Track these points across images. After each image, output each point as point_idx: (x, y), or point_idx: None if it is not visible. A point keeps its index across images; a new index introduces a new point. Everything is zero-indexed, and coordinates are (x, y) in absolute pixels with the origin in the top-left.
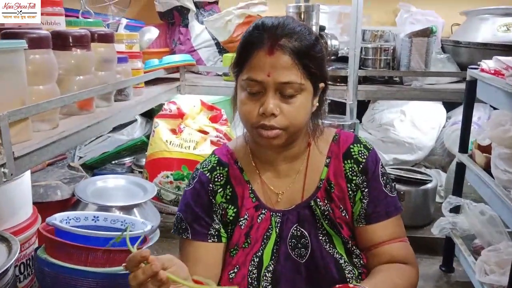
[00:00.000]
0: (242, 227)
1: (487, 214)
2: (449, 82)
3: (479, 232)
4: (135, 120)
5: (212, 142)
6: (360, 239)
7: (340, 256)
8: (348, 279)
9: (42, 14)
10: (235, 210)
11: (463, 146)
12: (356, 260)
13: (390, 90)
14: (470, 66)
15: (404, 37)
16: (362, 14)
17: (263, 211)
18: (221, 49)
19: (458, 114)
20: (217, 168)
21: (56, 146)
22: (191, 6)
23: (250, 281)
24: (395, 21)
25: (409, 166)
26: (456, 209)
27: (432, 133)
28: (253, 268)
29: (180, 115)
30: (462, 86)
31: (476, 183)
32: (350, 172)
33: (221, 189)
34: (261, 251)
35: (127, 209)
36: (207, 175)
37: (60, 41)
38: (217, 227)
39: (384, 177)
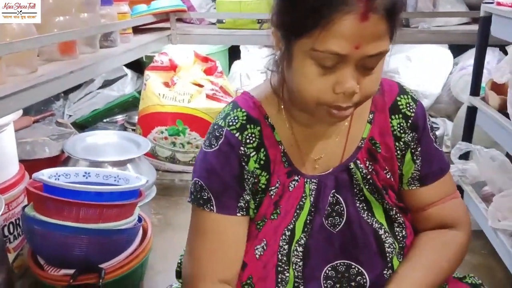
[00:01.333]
0: (272, 196)
1: (499, 160)
2: (459, 24)
3: (490, 178)
4: (125, 75)
5: (207, 96)
6: (410, 202)
7: (380, 225)
8: (387, 254)
9: None
10: (267, 177)
11: (475, 89)
12: (398, 229)
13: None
14: (484, 1)
15: None
16: None
17: (296, 178)
18: None
19: (466, 59)
20: (248, 126)
21: (35, 92)
22: None
23: (280, 257)
24: None
25: None
26: (465, 156)
27: (439, 80)
28: (284, 243)
29: (173, 67)
30: (473, 27)
31: (489, 126)
32: (399, 129)
33: (254, 152)
34: (293, 224)
35: (120, 164)
36: (237, 135)
37: None
38: (247, 198)
39: (433, 131)
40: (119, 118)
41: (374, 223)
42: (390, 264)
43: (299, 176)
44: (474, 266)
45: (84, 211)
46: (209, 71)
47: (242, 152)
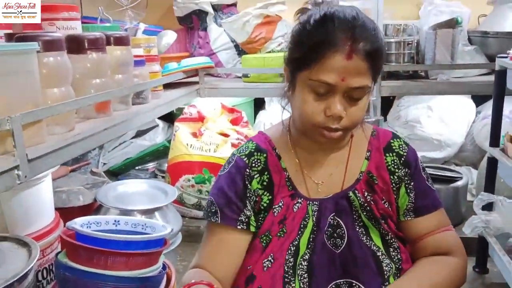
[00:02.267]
0: (276, 214)
1: None
2: (478, 75)
3: None
4: (157, 125)
5: (233, 145)
6: (408, 232)
7: (377, 248)
8: (385, 273)
9: (58, 19)
10: (270, 197)
11: (495, 140)
12: (393, 253)
13: (415, 85)
14: (499, 55)
15: (428, 29)
16: (383, 9)
17: (299, 200)
18: (240, 51)
19: (488, 108)
20: (255, 153)
21: (72, 149)
22: (210, 9)
23: (286, 269)
24: (419, 14)
25: (438, 164)
26: (488, 207)
27: (462, 129)
28: (290, 257)
29: (201, 118)
30: (492, 78)
31: (509, 177)
32: (392, 165)
33: (258, 175)
34: (298, 240)
35: (148, 212)
36: (245, 159)
37: (75, 44)
38: (248, 214)
39: (425, 171)
40: (150, 166)
41: (372, 245)
42: (387, 283)
43: (302, 199)
44: None
45: (113, 259)
46: (235, 121)
47: (247, 173)
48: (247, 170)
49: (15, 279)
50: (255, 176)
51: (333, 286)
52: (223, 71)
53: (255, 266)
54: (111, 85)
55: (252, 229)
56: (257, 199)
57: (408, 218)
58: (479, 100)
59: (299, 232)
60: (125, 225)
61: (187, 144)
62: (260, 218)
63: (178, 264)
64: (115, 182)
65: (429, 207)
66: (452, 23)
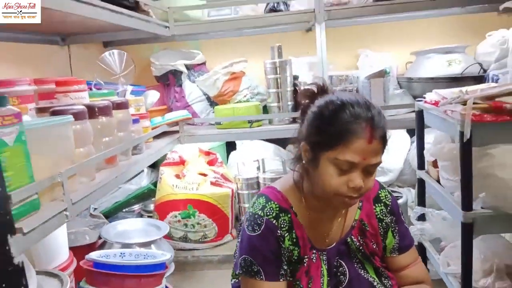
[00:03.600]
0: (305, 265)
1: (449, 219)
2: (407, 112)
3: (443, 235)
4: (142, 171)
5: (211, 183)
6: (392, 265)
7: (373, 279)
8: None
9: (71, 91)
10: (298, 251)
11: (421, 164)
12: (385, 281)
13: None
14: (417, 99)
15: (363, 79)
16: (327, 63)
17: (314, 252)
18: (212, 102)
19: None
20: (280, 215)
21: (97, 194)
22: (183, 69)
23: None
24: (357, 65)
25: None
26: (422, 218)
27: (400, 156)
28: None
29: (182, 162)
30: None
31: (433, 193)
32: (381, 214)
33: (287, 233)
34: (322, 286)
35: (145, 245)
36: (274, 222)
37: (90, 112)
38: (285, 267)
39: (402, 214)
40: (136, 207)
41: (368, 277)
42: None
43: (315, 250)
44: None
45: (127, 281)
46: (211, 162)
47: (279, 234)
48: (278, 231)
49: None
50: (286, 235)
51: None
52: (199, 121)
53: None
54: (116, 141)
55: (289, 278)
56: (290, 254)
57: (393, 255)
58: (412, 132)
59: (321, 280)
60: (130, 256)
61: (173, 184)
62: (291, 268)
63: None
64: (114, 222)
65: (408, 246)
66: (382, 73)
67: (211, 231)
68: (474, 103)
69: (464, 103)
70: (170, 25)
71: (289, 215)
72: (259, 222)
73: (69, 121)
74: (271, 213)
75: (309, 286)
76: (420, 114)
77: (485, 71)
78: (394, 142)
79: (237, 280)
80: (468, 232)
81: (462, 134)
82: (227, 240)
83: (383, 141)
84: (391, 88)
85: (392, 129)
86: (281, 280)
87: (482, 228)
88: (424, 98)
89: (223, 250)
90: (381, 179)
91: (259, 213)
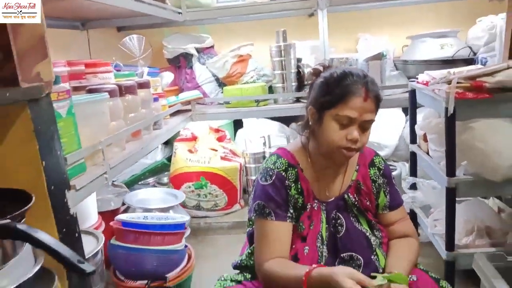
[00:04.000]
0: (307, 211)
1: (438, 188)
2: (402, 92)
3: (432, 202)
4: (157, 147)
5: (221, 157)
6: (384, 220)
7: (366, 230)
8: (373, 246)
9: (99, 72)
10: (302, 199)
11: (413, 139)
12: (377, 233)
13: None
14: (410, 80)
15: (362, 61)
16: (328, 46)
17: (316, 202)
18: (220, 83)
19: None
20: (289, 169)
21: (128, 161)
22: (194, 52)
23: (319, 253)
24: (356, 48)
25: None
26: (414, 187)
27: (395, 133)
28: (320, 244)
29: (194, 138)
30: None
31: (423, 164)
32: (375, 176)
33: (293, 184)
34: (321, 232)
35: (164, 210)
36: (283, 174)
37: (119, 90)
38: (291, 211)
39: (394, 178)
40: (151, 180)
41: (362, 229)
42: (374, 252)
43: (317, 201)
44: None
45: (153, 238)
46: (220, 139)
47: (287, 184)
48: (286, 181)
49: (90, 254)
50: (292, 186)
51: (339, 259)
52: (210, 101)
53: (298, 250)
54: (140, 117)
55: (294, 222)
56: (295, 201)
57: (385, 212)
58: (407, 111)
59: (321, 226)
60: (152, 218)
61: (186, 158)
62: (296, 213)
63: None
64: (136, 191)
65: (397, 205)
66: (379, 56)
67: (221, 200)
68: (458, 83)
69: (449, 82)
70: (183, 11)
71: (296, 170)
72: (271, 173)
73: (105, 98)
74: (281, 167)
75: (311, 227)
76: (412, 93)
77: (475, 54)
78: (390, 119)
79: (251, 228)
80: (451, 196)
81: (446, 109)
82: (236, 209)
83: (377, 101)
84: (388, 70)
85: (388, 107)
86: (288, 220)
87: (464, 192)
88: (417, 78)
89: (233, 218)
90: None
91: (271, 167)
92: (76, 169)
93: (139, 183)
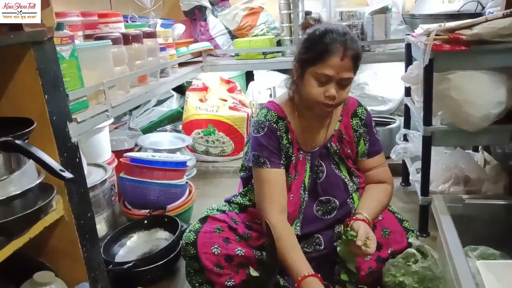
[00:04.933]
0: (293, 162)
1: None
2: None
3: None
4: (172, 96)
5: (230, 107)
6: (362, 166)
7: (344, 176)
8: (350, 191)
9: (110, 22)
10: (291, 149)
11: (407, 92)
12: (355, 179)
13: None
14: (407, 33)
15: (368, 15)
16: (334, 0)
17: (301, 152)
18: (232, 35)
19: None
20: (279, 121)
21: (131, 102)
22: (208, 5)
23: (301, 199)
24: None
25: (385, 115)
26: (406, 138)
27: (400, 88)
28: (302, 191)
29: (205, 88)
30: None
31: (412, 115)
32: (356, 126)
33: (284, 135)
34: (304, 179)
35: (172, 152)
36: (274, 125)
37: (125, 39)
38: (283, 159)
39: (375, 127)
40: (168, 127)
41: (341, 175)
42: (351, 196)
43: (302, 151)
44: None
45: (155, 173)
46: (231, 90)
47: (278, 134)
48: (278, 132)
49: (98, 182)
50: (283, 136)
51: (318, 201)
52: (221, 52)
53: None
54: (147, 64)
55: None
56: (286, 150)
57: (363, 159)
58: None
59: (304, 174)
60: (159, 157)
61: (196, 107)
62: (286, 163)
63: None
64: (148, 134)
65: (376, 152)
66: (384, 10)
67: (228, 147)
68: (437, 35)
69: (429, 34)
70: None
71: (284, 122)
72: (263, 126)
73: (108, 44)
74: (272, 119)
75: (296, 177)
76: (408, 47)
77: (483, 8)
78: (394, 74)
79: (244, 173)
80: (427, 144)
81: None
82: (242, 156)
83: (354, 60)
84: (395, 24)
85: (392, 61)
86: (281, 168)
87: (439, 141)
88: (414, 33)
89: (238, 163)
90: (382, 107)
91: (262, 119)
92: (79, 105)
93: (157, 129)
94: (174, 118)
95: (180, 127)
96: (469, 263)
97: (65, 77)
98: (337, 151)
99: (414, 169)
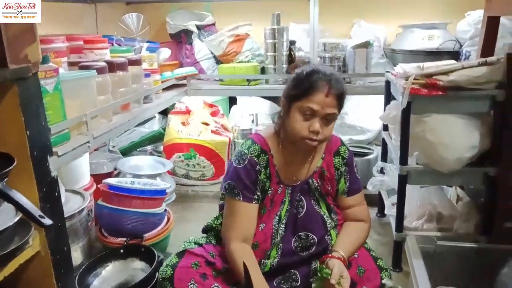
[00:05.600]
0: (269, 195)
1: None
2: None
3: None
4: (154, 117)
5: (212, 131)
6: (341, 204)
7: (324, 213)
8: (328, 227)
9: (95, 49)
10: (268, 184)
11: (385, 126)
12: (333, 216)
13: None
14: (386, 71)
15: (350, 48)
16: (319, 31)
17: (281, 186)
18: (217, 60)
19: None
20: (261, 154)
21: (114, 132)
22: (194, 29)
23: (273, 231)
24: (350, 34)
25: (361, 144)
26: (382, 171)
27: (378, 119)
28: (275, 223)
29: (188, 111)
30: None
31: (390, 151)
32: (338, 164)
33: (263, 169)
34: (280, 212)
35: (152, 177)
36: (255, 159)
37: (110, 67)
38: (258, 193)
39: (356, 166)
40: (148, 148)
41: (320, 211)
42: (329, 233)
43: (282, 185)
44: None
45: (134, 201)
46: (214, 114)
47: (258, 169)
48: (257, 167)
49: (76, 211)
50: (262, 171)
51: (296, 237)
52: (204, 77)
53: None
54: (130, 91)
55: (260, 203)
56: (262, 184)
57: (343, 197)
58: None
59: (281, 207)
60: (138, 184)
61: (178, 130)
62: (262, 197)
63: (173, 215)
64: (128, 157)
65: (355, 191)
66: (366, 44)
67: (209, 171)
68: (416, 79)
69: (407, 78)
70: None
71: (267, 156)
72: (244, 158)
73: (93, 75)
74: (254, 153)
75: (270, 208)
76: (388, 84)
77: (461, 46)
78: (374, 105)
79: (222, 201)
80: (403, 182)
81: (402, 103)
82: (222, 180)
83: (339, 98)
84: (376, 57)
85: (372, 94)
86: (254, 202)
87: (414, 179)
88: (393, 71)
89: (218, 188)
90: (361, 137)
91: (245, 151)
92: (60, 138)
93: (138, 150)
94: (156, 139)
95: (161, 148)
96: None
97: (47, 110)
98: (318, 188)
99: (390, 203)
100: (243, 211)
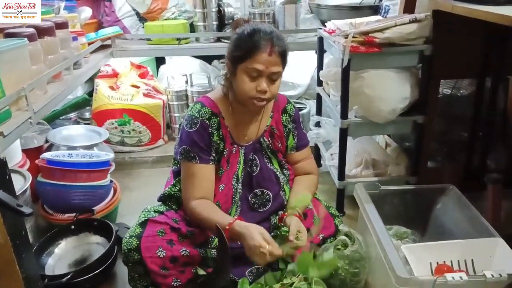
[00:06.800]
0: (225, 155)
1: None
2: (315, 36)
3: (333, 137)
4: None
5: (144, 94)
6: (291, 159)
7: (276, 170)
8: (281, 183)
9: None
10: (223, 145)
11: (319, 82)
12: (285, 171)
13: None
14: (319, 27)
15: (279, 4)
16: None
17: (235, 146)
18: (141, 18)
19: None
20: (212, 117)
21: (51, 104)
22: None
23: (233, 190)
24: None
25: (294, 99)
26: (318, 124)
27: (308, 74)
28: (234, 182)
29: (115, 74)
30: None
31: (326, 105)
32: (286, 122)
33: (216, 131)
34: (237, 172)
35: (88, 148)
36: (207, 122)
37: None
38: (214, 155)
39: (302, 123)
40: (72, 115)
41: (273, 168)
42: (282, 188)
43: (236, 145)
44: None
45: (79, 175)
46: (142, 75)
47: (210, 131)
48: (209, 129)
49: (20, 192)
50: (214, 133)
51: (252, 194)
52: (131, 37)
53: (215, 189)
54: (60, 58)
55: (216, 163)
56: (217, 146)
57: (292, 152)
58: None
59: (237, 166)
60: (76, 156)
61: (109, 95)
62: (218, 157)
63: None
64: (59, 128)
65: (303, 146)
66: (294, 0)
67: (145, 136)
68: (353, 37)
69: (347, 36)
70: None
71: (218, 118)
72: (196, 121)
73: (25, 43)
74: (205, 116)
75: (227, 168)
76: (320, 40)
77: (381, 0)
78: (303, 61)
79: (176, 167)
80: (343, 134)
81: (342, 61)
82: (160, 144)
83: (282, 56)
84: (303, 12)
85: (302, 50)
86: (210, 163)
87: (354, 132)
88: (325, 26)
89: (157, 152)
90: (291, 92)
91: (196, 115)
92: (2, 116)
93: (61, 118)
94: (80, 105)
95: (87, 114)
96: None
97: None
98: (269, 145)
99: (329, 154)
100: (201, 172)
